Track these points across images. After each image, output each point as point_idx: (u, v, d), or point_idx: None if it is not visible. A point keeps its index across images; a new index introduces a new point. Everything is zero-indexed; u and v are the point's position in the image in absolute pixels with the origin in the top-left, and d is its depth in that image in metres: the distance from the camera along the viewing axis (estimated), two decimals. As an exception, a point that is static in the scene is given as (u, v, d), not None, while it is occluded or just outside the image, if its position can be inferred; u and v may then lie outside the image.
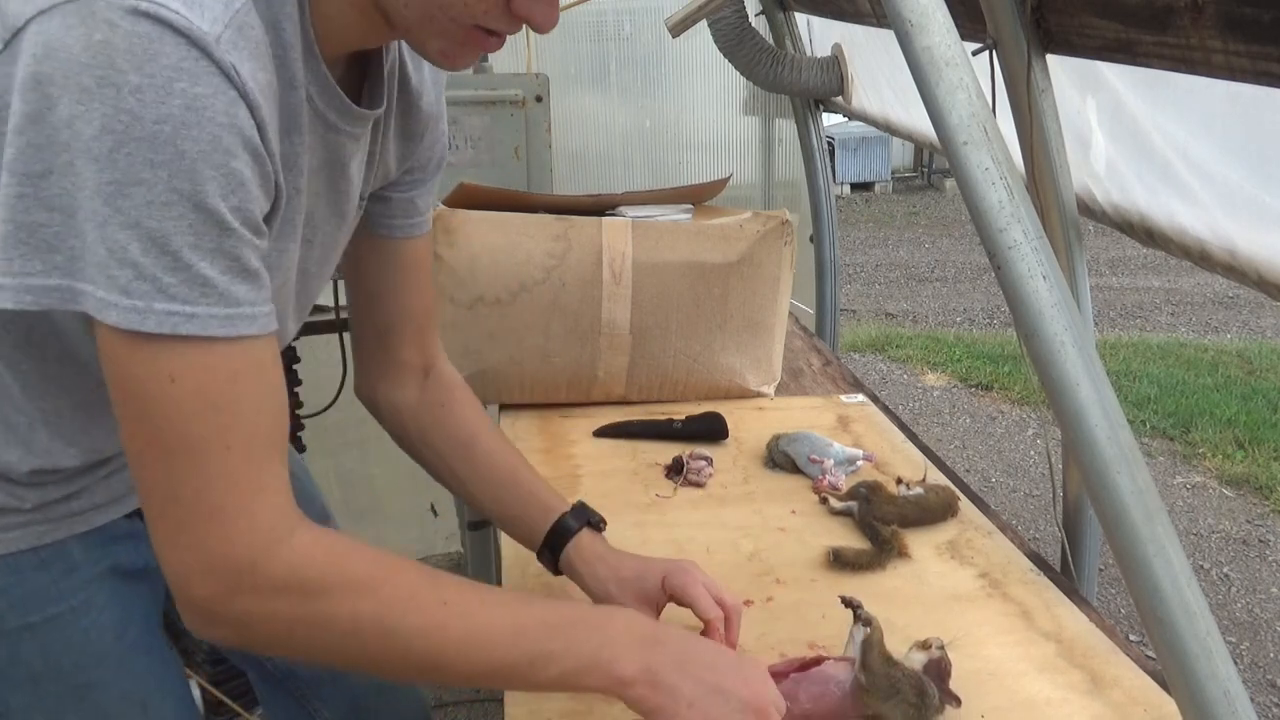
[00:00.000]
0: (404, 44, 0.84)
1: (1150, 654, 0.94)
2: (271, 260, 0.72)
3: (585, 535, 1.02)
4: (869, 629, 0.92)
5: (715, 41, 2.32)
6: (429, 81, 0.90)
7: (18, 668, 0.91)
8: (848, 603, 0.95)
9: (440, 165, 0.98)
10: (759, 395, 1.73)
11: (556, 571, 1.03)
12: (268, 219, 0.67)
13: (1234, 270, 1.16)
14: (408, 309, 1.02)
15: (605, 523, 1.05)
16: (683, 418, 1.60)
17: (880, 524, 1.26)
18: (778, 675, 0.94)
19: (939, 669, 0.93)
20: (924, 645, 0.94)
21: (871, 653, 0.91)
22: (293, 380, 2.06)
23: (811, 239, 2.72)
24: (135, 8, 0.55)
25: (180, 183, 0.58)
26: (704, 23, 2.27)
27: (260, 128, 0.61)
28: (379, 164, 0.90)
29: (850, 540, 1.27)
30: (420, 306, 1.03)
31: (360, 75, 0.81)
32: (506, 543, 1.26)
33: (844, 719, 0.92)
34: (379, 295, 1.01)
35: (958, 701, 0.93)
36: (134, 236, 0.58)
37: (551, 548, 1.02)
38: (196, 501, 0.64)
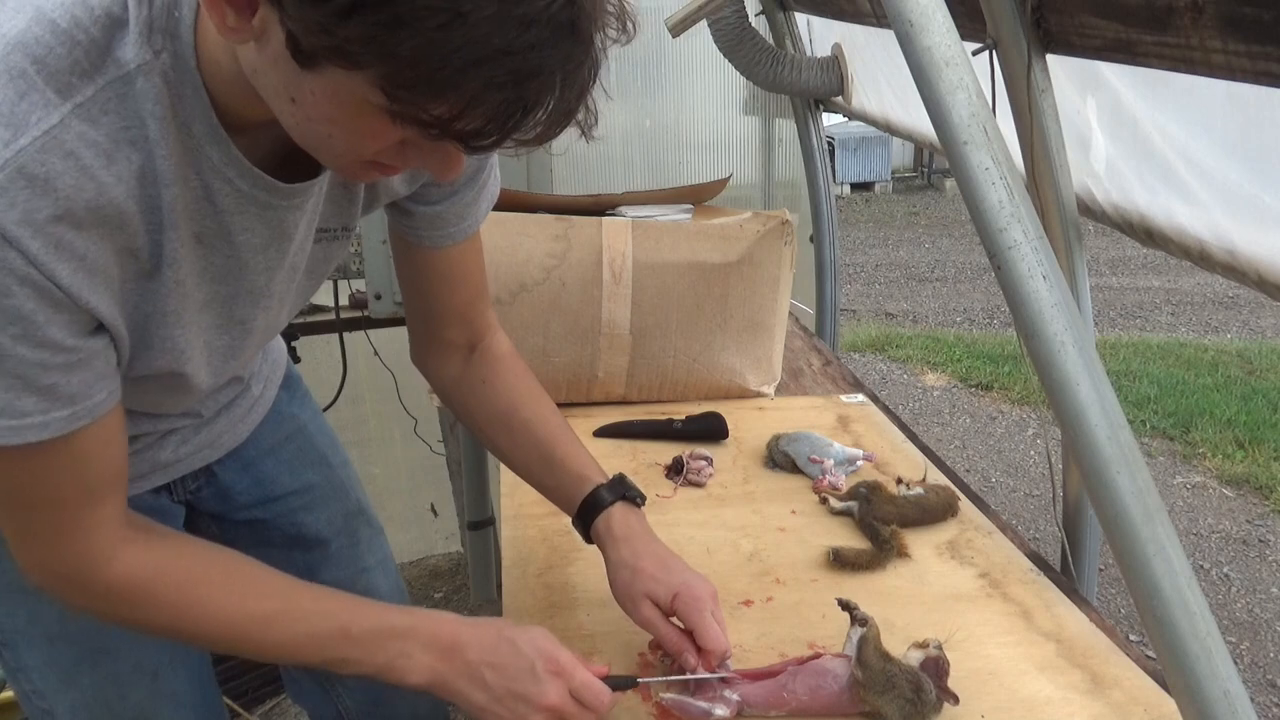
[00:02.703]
0: None
1: (1150, 654, 0.94)
2: (167, 344, 0.76)
3: (618, 509, 1.00)
4: (865, 628, 0.92)
5: (715, 41, 2.32)
6: None
7: (36, 627, 0.98)
8: (844, 605, 0.95)
9: (474, 181, 0.94)
10: (759, 395, 1.73)
11: (589, 540, 1.03)
12: (99, 327, 0.69)
13: (1234, 270, 1.16)
14: (448, 302, 1.02)
15: (644, 498, 1.03)
16: (683, 418, 1.60)
17: (880, 524, 1.26)
18: (774, 671, 0.94)
19: (936, 667, 0.93)
20: (921, 645, 0.94)
21: (867, 648, 0.91)
22: (293, 380, 2.06)
23: (811, 239, 2.72)
24: None
25: None
26: (704, 23, 2.27)
27: (40, 264, 0.61)
28: (380, 190, 0.88)
29: (850, 540, 1.27)
30: (462, 299, 1.03)
31: None
32: (506, 543, 1.26)
33: (840, 712, 0.92)
34: (419, 289, 1.02)
35: (955, 699, 0.93)
36: None
37: (584, 518, 1.01)
38: (27, 528, 0.75)
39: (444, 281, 1.00)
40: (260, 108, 0.67)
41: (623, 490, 1.02)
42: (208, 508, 1.13)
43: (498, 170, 0.98)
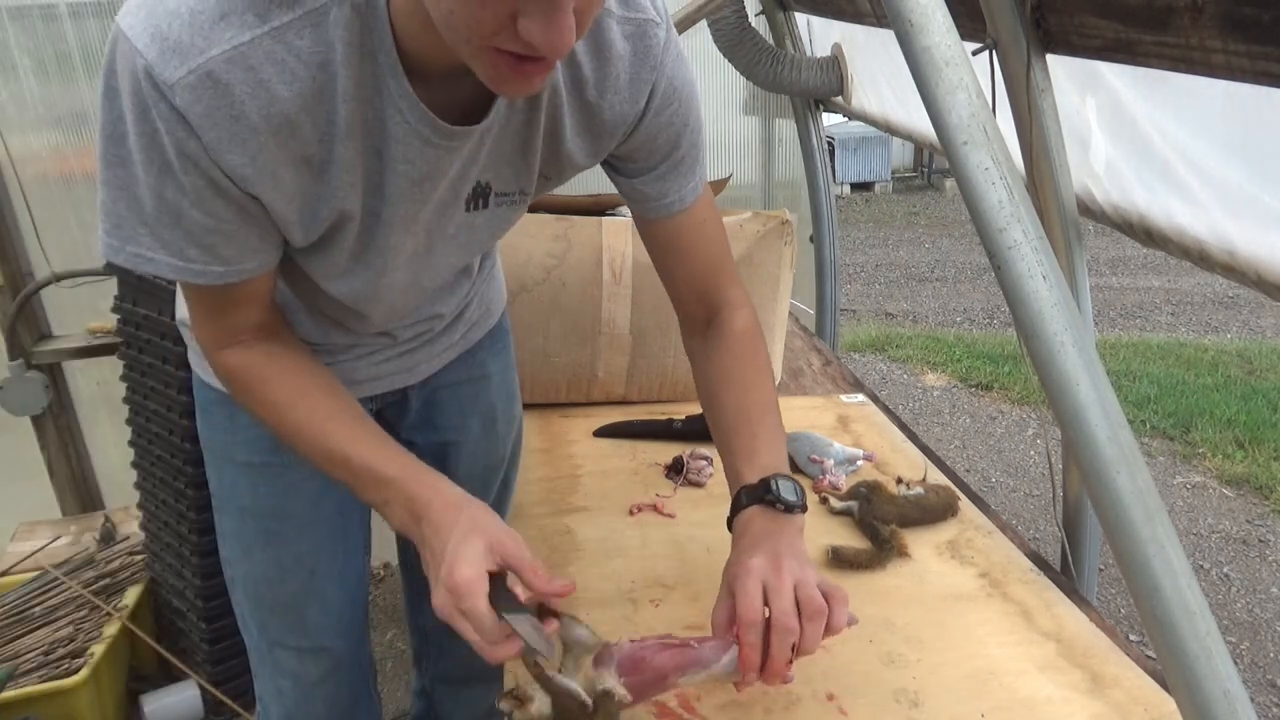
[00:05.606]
0: (580, 47, 0.87)
1: (1150, 654, 0.94)
2: (347, 243, 0.89)
3: (749, 512, 0.98)
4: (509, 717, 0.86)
5: (715, 41, 2.33)
6: (620, 88, 0.90)
7: (232, 498, 1.16)
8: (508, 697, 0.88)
9: (673, 156, 0.99)
10: (759, 395, 1.73)
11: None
12: (259, 213, 0.83)
13: (1233, 270, 1.16)
14: (678, 276, 1.08)
15: (792, 503, 0.97)
16: (683, 418, 1.60)
17: (880, 524, 1.26)
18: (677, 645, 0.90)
19: (611, 657, 0.88)
20: (599, 653, 0.89)
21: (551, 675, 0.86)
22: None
23: (811, 239, 2.72)
24: (133, 47, 0.71)
25: (149, 178, 0.77)
26: (704, 23, 2.28)
27: (212, 151, 0.75)
28: (564, 160, 0.93)
29: (850, 540, 1.27)
30: (689, 272, 1.08)
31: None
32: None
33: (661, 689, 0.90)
34: (655, 263, 1.09)
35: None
36: (119, 197, 0.79)
37: (731, 518, 1.02)
38: (195, 306, 0.93)
39: (667, 253, 1.07)
40: (441, 55, 0.75)
41: (761, 495, 0.98)
42: (385, 419, 1.23)
43: (705, 156, 1.03)
